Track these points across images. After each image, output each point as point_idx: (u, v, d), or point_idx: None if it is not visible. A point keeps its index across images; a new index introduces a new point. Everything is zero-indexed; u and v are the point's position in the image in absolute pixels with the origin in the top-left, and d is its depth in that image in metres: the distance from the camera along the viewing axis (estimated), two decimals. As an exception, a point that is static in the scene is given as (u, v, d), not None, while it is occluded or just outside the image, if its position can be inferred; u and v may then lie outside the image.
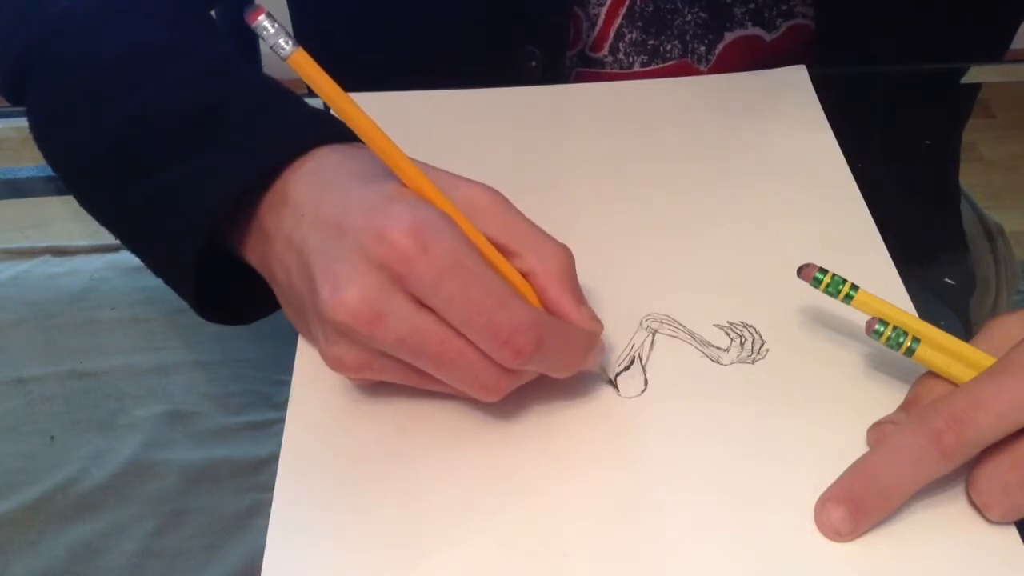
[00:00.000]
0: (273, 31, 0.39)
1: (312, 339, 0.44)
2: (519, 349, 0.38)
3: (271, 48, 0.39)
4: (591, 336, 0.42)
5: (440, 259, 0.38)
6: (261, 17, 0.38)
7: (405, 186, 0.41)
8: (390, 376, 0.41)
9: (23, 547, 0.49)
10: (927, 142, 0.68)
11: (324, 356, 0.41)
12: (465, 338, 0.39)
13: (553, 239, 0.42)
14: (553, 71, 0.65)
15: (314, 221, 0.41)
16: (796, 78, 0.63)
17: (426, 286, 0.38)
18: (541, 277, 0.42)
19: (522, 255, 0.42)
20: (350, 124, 0.40)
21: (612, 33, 0.66)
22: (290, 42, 0.39)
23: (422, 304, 0.39)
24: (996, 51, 0.71)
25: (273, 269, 0.44)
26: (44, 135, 0.52)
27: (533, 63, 0.64)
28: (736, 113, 0.61)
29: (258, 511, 0.48)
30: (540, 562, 0.39)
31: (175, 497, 0.51)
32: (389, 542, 0.39)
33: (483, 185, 0.42)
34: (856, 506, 0.39)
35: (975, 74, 0.71)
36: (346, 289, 0.38)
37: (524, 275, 0.42)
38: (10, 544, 0.49)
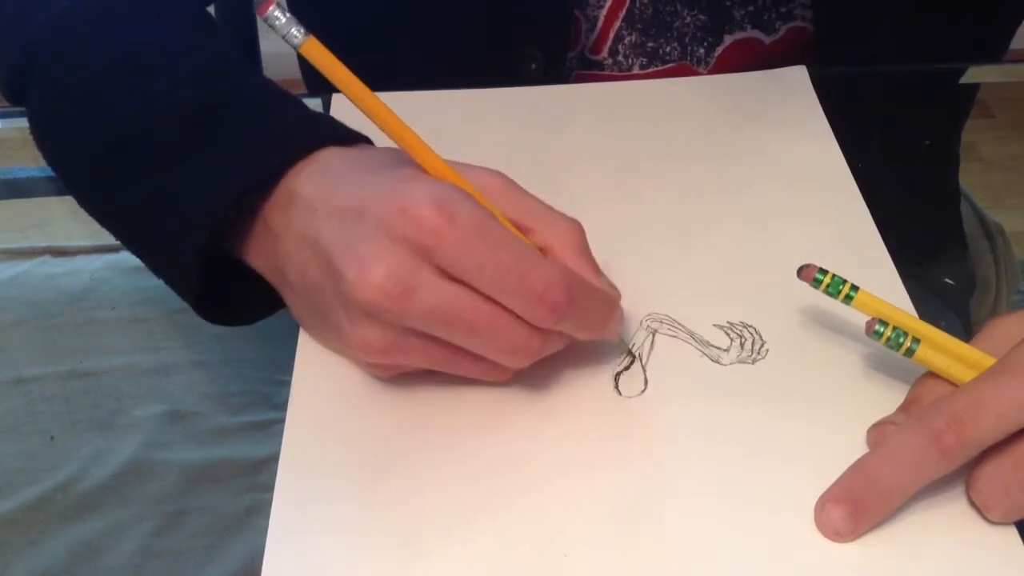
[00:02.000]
0: (284, 20, 0.39)
1: (331, 334, 0.44)
2: (554, 304, 0.39)
3: (283, 38, 0.39)
4: (612, 298, 0.43)
5: (466, 227, 0.38)
6: (272, 7, 0.39)
7: (418, 168, 0.41)
8: (416, 357, 0.41)
9: (23, 547, 0.49)
10: (927, 142, 0.68)
11: (350, 341, 0.41)
12: (494, 304, 0.39)
13: (564, 215, 0.43)
14: (553, 73, 0.65)
15: (328, 213, 0.41)
16: (796, 78, 0.63)
17: (455, 255, 0.38)
18: (558, 250, 0.42)
19: (537, 231, 0.42)
20: (364, 110, 0.41)
21: (611, 35, 0.66)
22: (301, 31, 0.39)
23: (449, 276, 0.39)
24: (996, 51, 0.71)
25: (283, 268, 0.43)
26: (44, 135, 0.52)
27: (533, 65, 0.64)
28: (736, 113, 0.61)
29: (258, 511, 0.48)
30: (540, 562, 0.39)
31: (175, 497, 0.51)
32: (389, 542, 0.39)
33: (491, 169, 0.43)
34: (856, 506, 0.39)
35: (975, 74, 0.71)
36: (373, 268, 0.38)
37: (541, 250, 0.42)
38: (10, 544, 0.49)
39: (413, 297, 0.38)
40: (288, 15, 0.39)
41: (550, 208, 0.43)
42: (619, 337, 0.46)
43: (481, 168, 0.43)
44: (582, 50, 0.67)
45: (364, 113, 0.41)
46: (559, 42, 0.65)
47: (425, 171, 0.42)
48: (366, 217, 0.39)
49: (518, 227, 0.42)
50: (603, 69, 0.67)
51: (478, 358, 0.41)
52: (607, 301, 0.43)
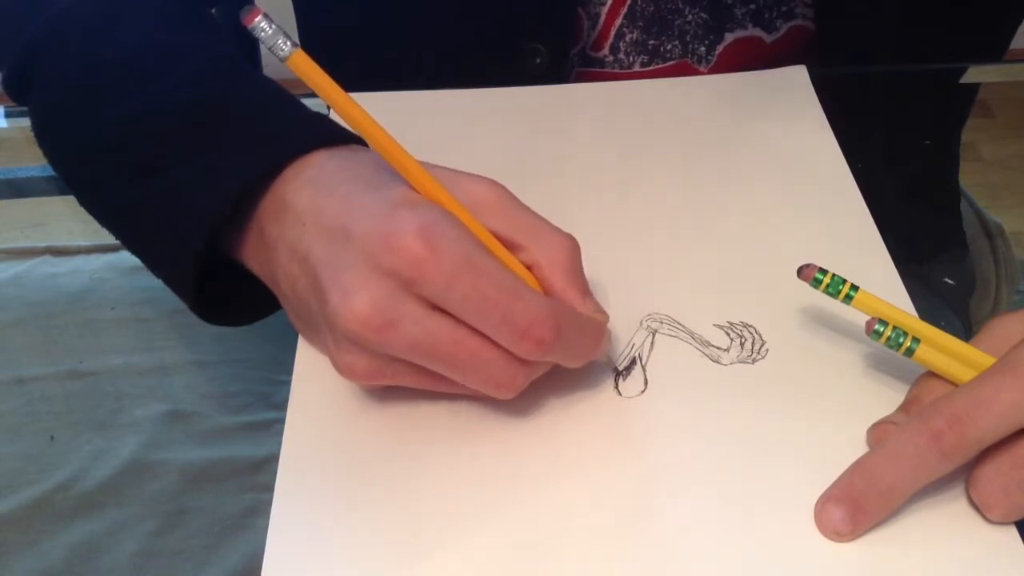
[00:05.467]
0: (271, 32, 0.38)
1: (321, 346, 0.44)
2: (539, 340, 0.39)
3: (269, 49, 0.39)
4: (599, 325, 0.43)
5: (450, 260, 0.38)
6: (258, 19, 0.38)
7: (408, 188, 0.41)
8: (403, 381, 0.41)
9: (23, 547, 0.49)
10: (927, 142, 0.68)
11: (336, 365, 0.41)
12: (479, 337, 0.39)
13: (558, 229, 0.43)
14: (556, 69, 0.65)
15: (317, 229, 0.41)
16: (796, 78, 0.63)
17: (439, 288, 0.38)
18: (546, 270, 0.42)
19: (527, 248, 0.42)
20: (351, 124, 0.40)
21: (613, 32, 0.66)
22: (288, 43, 0.39)
23: (433, 307, 0.39)
24: (996, 50, 0.71)
25: (277, 278, 0.43)
26: (45, 135, 0.52)
27: (538, 59, 0.64)
28: (736, 113, 0.61)
29: (258, 511, 0.48)
30: (540, 562, 0.39)
31: (175, 497, 0.51)
32: (389, 542, 0.40)
33: (485, 179, 0.43)
34: (856, 506, 0.39)
35: (975, 74, 0.71)
36: (356, 297, 0.38)
37: (529, 268, 0.42)
38: (10, 544, 0.49)
39: (396, 329, 0.38)
40: (275, 26, 0.38)
41: (544, 223, 0.43)
42: (606, 357, 0.45)
43: (475, 177, 0.43)
44: (583, 47, 0.67)
45: (352, 128, 0.41)
46: (563, 38, 0.65)
47: (414, 188, 0.41)
48: (353, 241, 0.39)
49: (509, 243, 0.42)
50: (604, 66, 0.68)
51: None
52: (594, 329, 0.42)
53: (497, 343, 0.39)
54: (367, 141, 0.41)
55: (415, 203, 0.40)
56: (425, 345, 0.39)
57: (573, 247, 0.42)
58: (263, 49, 0.39)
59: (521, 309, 0.38)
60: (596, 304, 0.43)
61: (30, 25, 0.52)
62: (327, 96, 0.40)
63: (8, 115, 0.68)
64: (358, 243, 0.39)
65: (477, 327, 0.39)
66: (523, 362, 0.40)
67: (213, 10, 0.63)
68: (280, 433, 0.43)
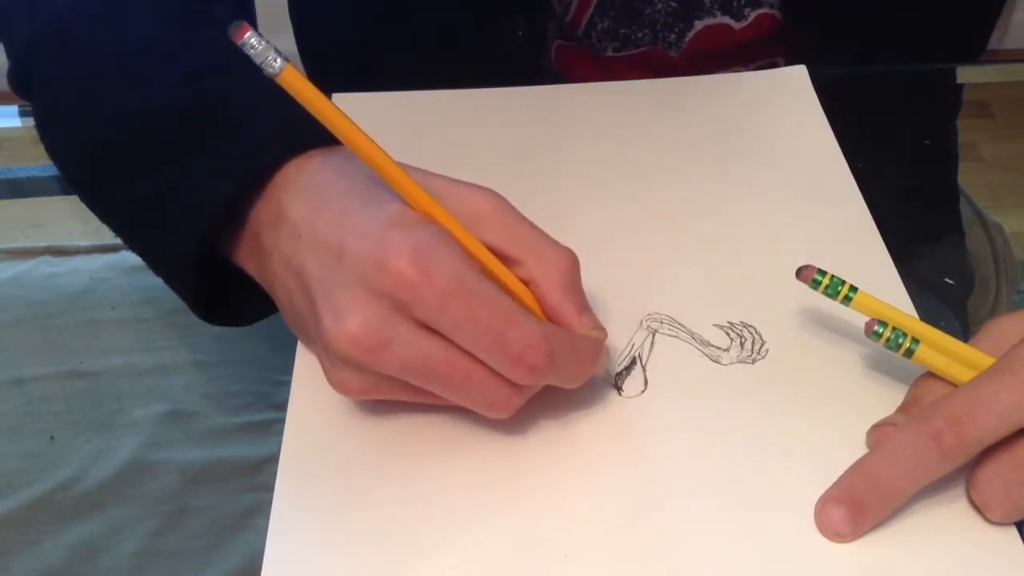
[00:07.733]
0: (260, 48, 0.38)
1: (316, 352, 0.44)
2: (531, 366, 0.38)
3: (259, 65, 0.38)
4: (596, 344, 0.42)
5: (443, 283, 0.37)
6: (248, 34, 0.38)
7: (403, 205, 0.40)
8: (397, 396, 0.41)
9: (23, 547, 0.49)
10: (927, 142, 0.68)
11: (330, 381, 0.41)
12: (472, 359, 0.39)
13: (555, 244, 0.42)
14: (535, 43, 0.67)
15: (311, 243, 0.40)
16: (796, 78, 0.63)
17: (431, 311, 0.38)
18: (542, 285, 0.41)
19: (524, 262, 0.41)
20: (344, 139, 0.40)
21: (584, 22, 0.67)
22: (279, 59, 0.38)
23: (427, 328, 0.38)
24: (970, 39, 0.72)
25: (272, 286, 0.43)
26: (47, 132, 0.52)
27: (519, 32, 0.65)
28: (736, 113, 0.61)
29: (258, 511, 0.48)
30: (540, 563, 0.39)
31: (175, 497, 0.51)
32: (389, 542, 0.40)
33: (483, 189, 0.42)
34: (856, 507, 0.39)
35: (977, 74, 0.71)
36: (348, 318, 0.38)
37: (526, 283, 0.41)
38: (10, 544, 0.49)
39: (388, 350, 0.38)
40: (264, 42, 0.38)
41: (542, 236, 0.42)
42: (604, 372, 0.45)
43: (473, 188, 0.42)
44: (560, 24, 0.68)
45: (344, 142, 0.40)
46: (536, 17, 0.66)
47: (409, 205, 0.40)
48: (346, 260, 0.39)
49: (504, 256, 0.41)
50: (581, 43, 0.68)
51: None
52: (589, 349, 0.42)
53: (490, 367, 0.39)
54: (360, 157, 0.40)
55: (409, 223, 0.39)
56: (418, 366, 0.38)
57: (571, 262, 0.42)
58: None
59: (514, 335, 0.38)
60: (594, 320, 0.42)
61: (34, 22, 0.52)
62: (318, 112, 0.39)
63: (7, 116, 0.68)
64: (351, 263, 0.38)
65: (470, 351, 0.38)
66: (517, 384, 0.40)
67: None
68: (280, 433, 0.43)
